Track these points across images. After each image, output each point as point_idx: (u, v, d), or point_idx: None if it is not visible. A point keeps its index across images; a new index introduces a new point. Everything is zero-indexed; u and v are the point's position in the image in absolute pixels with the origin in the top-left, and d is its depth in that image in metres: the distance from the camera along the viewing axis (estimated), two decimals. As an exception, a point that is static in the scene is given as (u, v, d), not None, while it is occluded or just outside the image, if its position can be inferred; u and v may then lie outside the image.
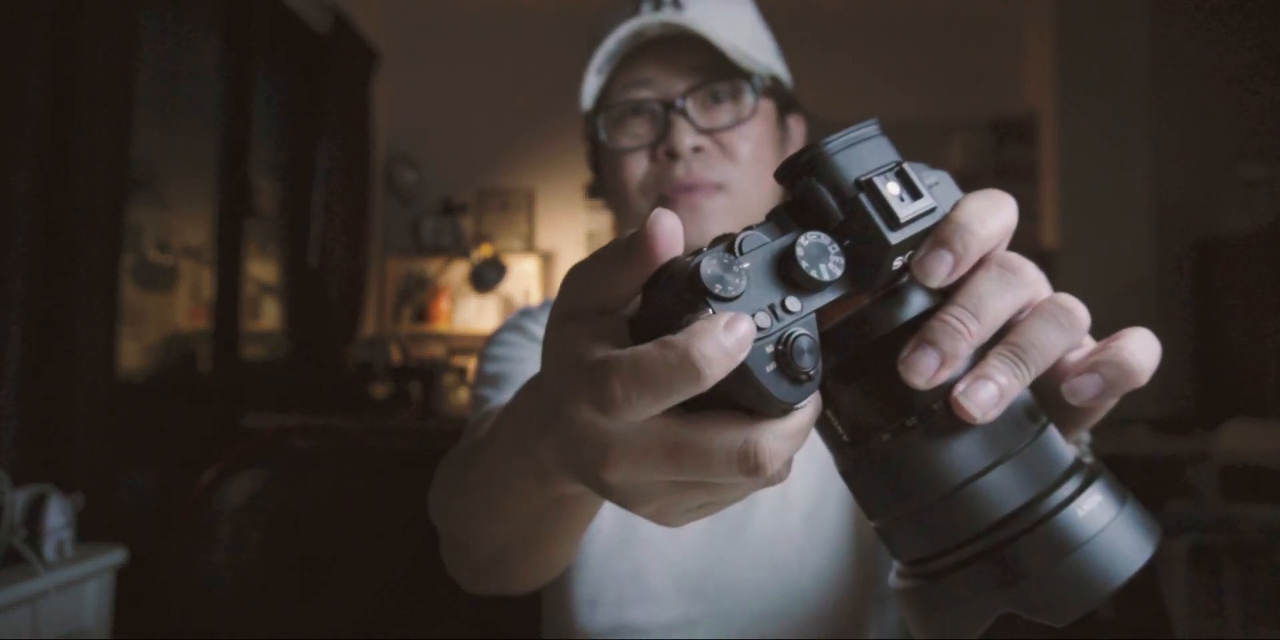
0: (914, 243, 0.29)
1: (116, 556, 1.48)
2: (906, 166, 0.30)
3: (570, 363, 0.29)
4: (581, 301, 0.32)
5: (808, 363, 0.27)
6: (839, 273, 0.28)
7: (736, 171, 0.79)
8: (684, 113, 0.78)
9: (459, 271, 4.00)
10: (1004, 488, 0.28)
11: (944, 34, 4.13)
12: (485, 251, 3.91)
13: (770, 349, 0.27)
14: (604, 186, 0.87)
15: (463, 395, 3.43)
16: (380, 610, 1.43)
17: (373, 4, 3.89)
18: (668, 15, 0.77)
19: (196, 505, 1.39)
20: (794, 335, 0.27)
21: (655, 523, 0.34)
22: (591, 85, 0.81)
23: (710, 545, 0.82)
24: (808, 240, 0.28)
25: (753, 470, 0.28)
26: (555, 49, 4.26)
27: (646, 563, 0.82)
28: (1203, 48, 3.76)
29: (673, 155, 0.78)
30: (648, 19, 0.77)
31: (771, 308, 0.27)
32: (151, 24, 2.36)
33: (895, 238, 0.28)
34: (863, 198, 0.28)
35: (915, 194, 0.29)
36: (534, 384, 0.39)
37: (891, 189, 0.29)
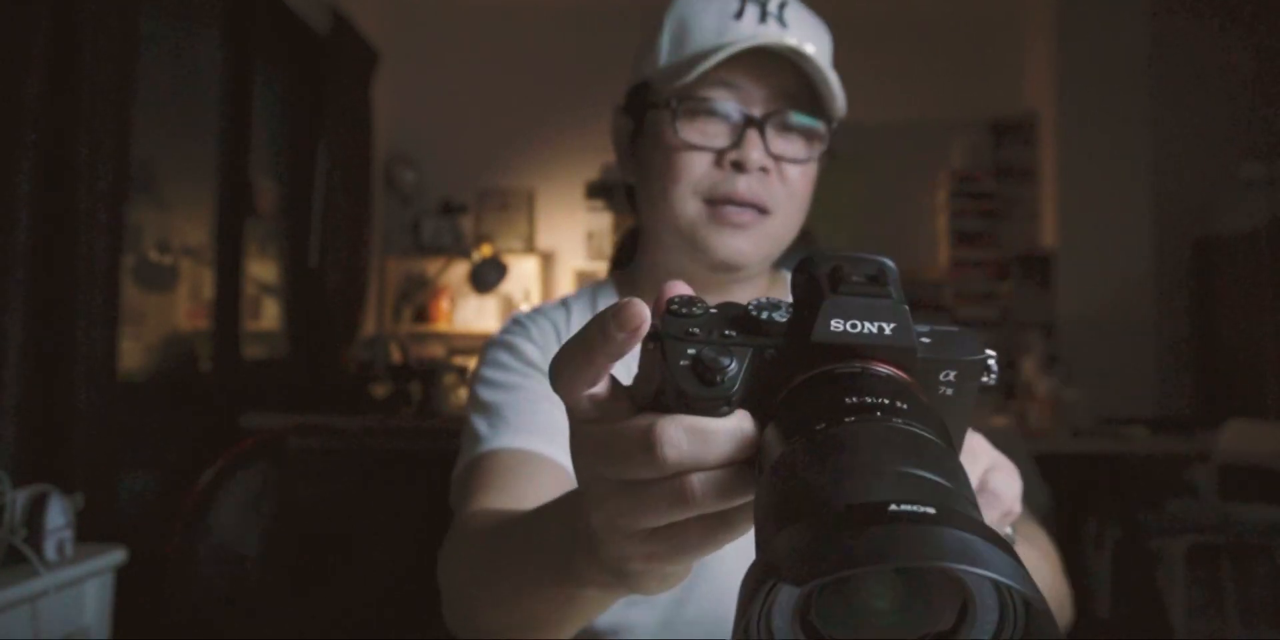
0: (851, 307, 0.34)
1: (116, 556, 1.48)
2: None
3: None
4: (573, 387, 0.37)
5: (718, 366, 0.33)
6: (781, 321, 0.35)
7: (785, 201, 0.80)
8: (762, 130, 0.78)
9: (459, 271, 4.00)
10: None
11: (944, 34, 4.13)
12: (485, 251, 3.91)
13: (691, 350, 0.33)
14: (641, 167, 0.85)
15: (462, 395, 3.42)
16: (380, 609, 1.43)
17: (373, 4, 3.89)
18: (784, 37, 0.77)
19: (196, 505, 1.39)
20: (714, 348, 0.33)
21: (653, 584, 0.39)
22: (677, 69, 0.80)
23: None
24: (763, 300, 0.35)
25: (648, 450, 0.32)
26: (556, 49, 4.27)
27: None
28: (1203, 48, 3.77)
29: (740, 167, 0.78)
30: (772, 39, 0.76)
31: (712, 332, 0.34)
32: (151, 24, 2.36)
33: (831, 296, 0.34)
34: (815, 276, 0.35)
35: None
36: (572, 500, 0.44)
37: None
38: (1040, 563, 0.75)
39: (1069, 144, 3.78)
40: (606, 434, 0.34)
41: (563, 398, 0.36)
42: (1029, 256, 3.88)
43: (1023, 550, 0.56)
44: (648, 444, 0.32)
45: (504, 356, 0.87)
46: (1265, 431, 2.73)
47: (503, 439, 0.79)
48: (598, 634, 0.83)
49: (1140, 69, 3.75)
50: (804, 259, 0.36)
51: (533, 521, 0.51)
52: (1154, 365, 3.69)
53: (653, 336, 0.34)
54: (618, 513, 0.35)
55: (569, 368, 0.36)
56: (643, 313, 0.34)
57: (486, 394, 0.84)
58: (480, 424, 0.82)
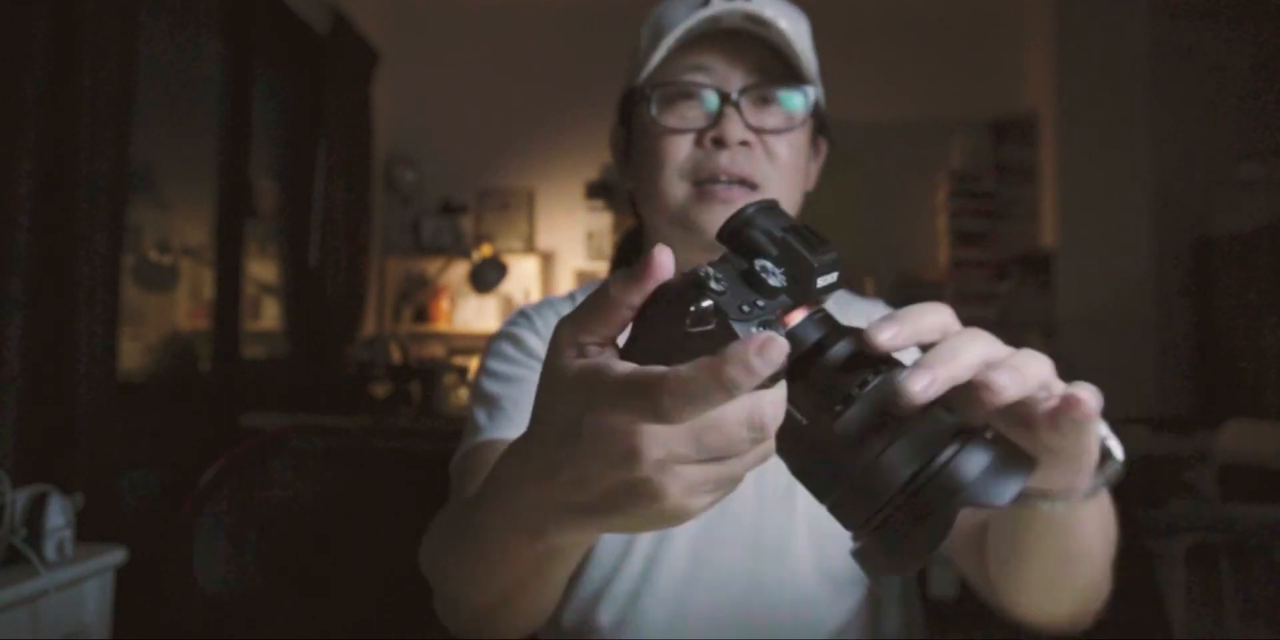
0: (829, 265, 0.40)
1: (116, 556, 1.48)
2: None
3: (591, 384, 0.35)
4: (579, 336, 0.38)
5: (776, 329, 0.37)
6: (783, 284, 0.38)
7: (774, 174, 0.80)
8: (738, 107, 0.79)
9: (459, 271, 4.00)
10: (902, 459, 0.37)
11: (944, 34, 4.13)
12: (485, 251, 3.92)
13: (754, 327, 0.36)
14: (633, 167, 0.86)
15: (463, 395, 3.43)
16: (379, 609, 1.43)
17: (373, 4, 3.89)
18: (747, 7, 0.78)
19: (196, 505, 1.39)
20: (769, 320, 0.36)
21: (674, 523, 0.37)
22: (648, 61, 0.81)
23: (706, 536, 0.83)
24: (760, 263, 0.38)
25: (760, 429, 0.34)
26: (555, 49, 4.27)
27: (653, 560, 0.82)
28: (1203, 48, 3.77)
29: (720, 144, 0.79)
30: (727, 7, 0.78)
31: (745, 304, 0.36)
32: (151, 24, 2.36)
33: (816, 261, 0.39)
34: (790, 237, 0.40)
35: (819, 237, 0.41)
36: (522, 443, 0.43)
37: (805, 232, 0.41)
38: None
39: (1069, 144, 3.78)
40: (705, 425, 0.34)
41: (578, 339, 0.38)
42: (1029, 256, 3.88)
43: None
44: (760, 424, 0.34)
45: (507, 348, 0.88)
46: (1265, 431, 2.73)
47: (499, 430, 0.79)
48: (601, 631, 0.83)
49: (1140, 69, 3.75)
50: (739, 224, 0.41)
51: (482, 487, 0.50)
52: (1154, 365, 3.69)
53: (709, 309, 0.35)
54: (695, 486, 0.35)
55: (593, 315, 0.37)
56: (667, 261, 0.36)
57: (488, 385, 0.85)
58: (480, 415, 0.82)
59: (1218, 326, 3.64)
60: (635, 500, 0.35)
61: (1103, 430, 0.51)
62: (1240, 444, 2.71)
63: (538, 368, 0.85)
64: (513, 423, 0.79)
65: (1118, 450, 0.51)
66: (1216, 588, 2.53)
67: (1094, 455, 0.50)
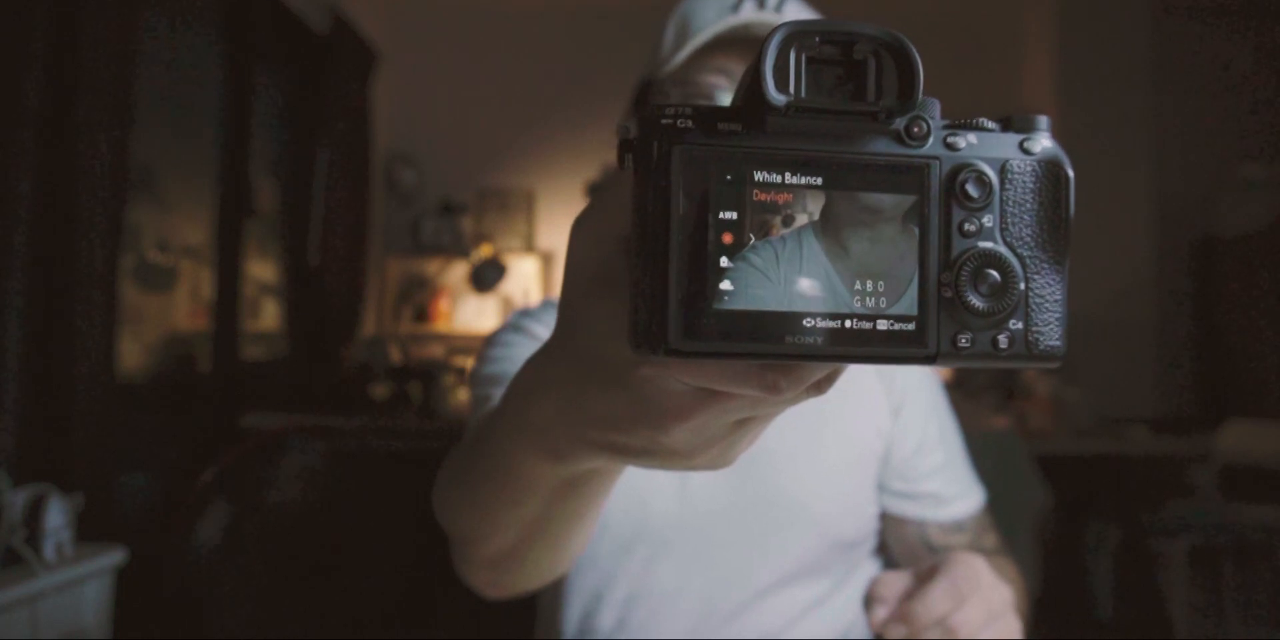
0: None
1: (116, 556, 1.48)
2: None
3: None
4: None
5: None
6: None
7: None
8: None
9: (459, 271, 4.00)
10: None
11: (944, 34, 4.13)
12: (485, 251, 3.91)
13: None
14: None
15: (462, 395, 3.43)
16: (380, 609, 1.43)
17: (373, 4, 3.89)
18: (778, 17, 0.79)
19: (196, 505, 1.39)
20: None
21: (710, 468, 0.35)
22: (672, 57, 0.82)
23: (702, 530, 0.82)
24: None
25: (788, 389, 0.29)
26: (555, 49, 4.27)
27: (652, 560, 0.82)
28: (1203, 48, 3.76)
29: None
30: (758, 17, 0.79)
31: None
32: (151, 24, 2.36)
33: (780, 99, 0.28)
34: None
35: None
36: (541, 360, 0.39)
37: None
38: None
39: (1069, 144, 3.74)
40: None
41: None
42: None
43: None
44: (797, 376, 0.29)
45: (511, 336, 0.88)
46: (1266, 431, 2.73)
47: None
48: (602, 632, 0.83)
49: (1140, 69, 3.74)
50: None
51: (497, 412, 0.46)
52: (1155, 365, 3.69)
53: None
54: (732, 436, 0.33)
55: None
56: None
57: (491, 368, 0.84)
58: (488, 390, 0.81)
59: (1219, 327, 3.63)
60: (655, 454, 0.34)
61: None
62: (1241, 444, 2.71)
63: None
64: None
65: None
66: (1218, 588, 2.53)
67: None
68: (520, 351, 0.85)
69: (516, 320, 0.90)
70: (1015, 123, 0.30)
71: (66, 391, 1.82)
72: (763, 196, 0.27)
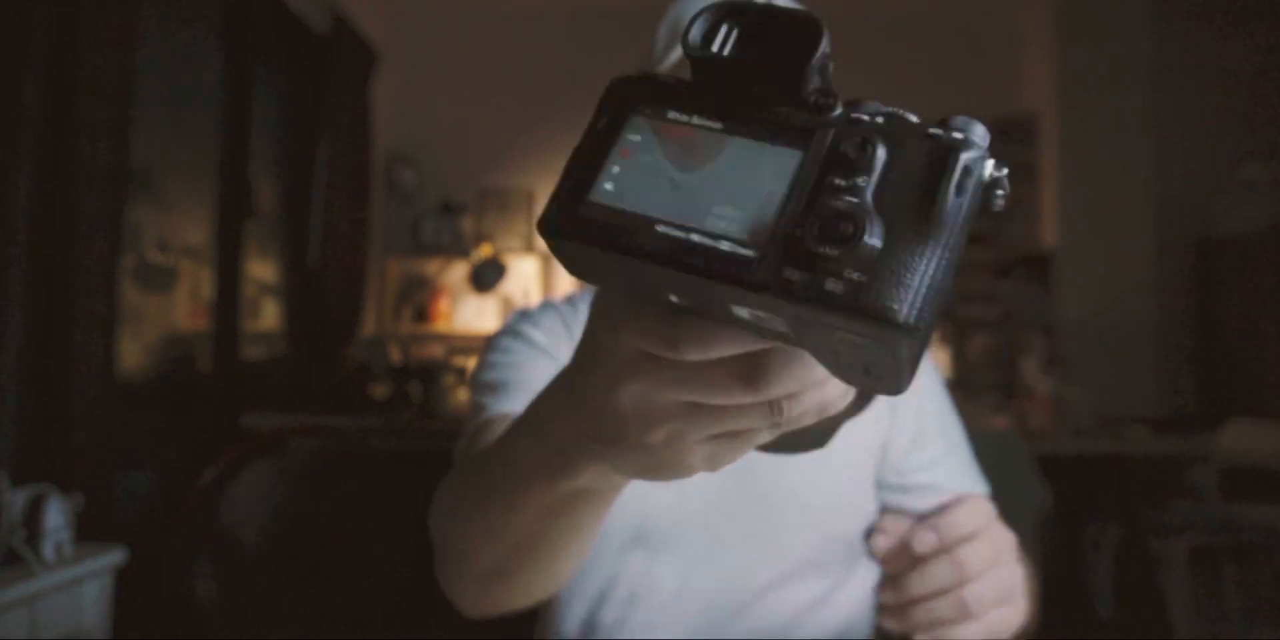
0: None
1: (116, 556, 1.48)
2: None
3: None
4: None
5: None
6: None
7: None
8: None
9: (459, 271, 4.00)
10: None
11: (944, 34, 4.13)
12: (485, 251, 3.91)
13: None
14: None
15: (462, 395, 3.42)
16: (380, 610, 1.43)
17: (373, 4, 3.89)
18: None
19: (196, 505, 1.38)
20: None
21: (670, 475, 0.37)
22: (664, 59, 0.83)
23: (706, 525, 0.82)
24: None
25: (780, 413, 0.33)
26: (555, 49, 4.27)
27: (653, 561, 0.82)
28: (1203, 48, 3.76)
29: None
30: None
31: None
32: (151, 24, 2.36)
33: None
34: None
35: None
36: (560, 378, 0.43)
37: None
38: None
39: (1069, 144, 3.78)
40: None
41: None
42: (1029, 256, 3.87)
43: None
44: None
45: (510, 342, 0.88)
46: (1266, 431, 2.73)
47: (505, 405, 0.79)
48: (603, 632, 0.83)
49: (1140, 69, 3.74)
50: None
51: (513, 425, 0.50)
52: (1155, 365, 3.69)
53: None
54: (684, 433, 0.35)
55: None
56: None
57: (490, 375, 0.84)
58: (484, 398, 0.82)
59: (1219, 327, 3.63)
60: (649, 465, 0.36)
61: None
62: (1242, 444, 2.71)
63: (541, 356, 0.85)
64: (520, 402, 0.78)
65: None
66: (1218, 588, 2.53)
67: None
68: (518, 358, 0.85)
69: (516, 324, 0.90)
70: (950, 121, 0.31)
71: (66, 391, 1.82)
72: (669, 129, 0.31)
